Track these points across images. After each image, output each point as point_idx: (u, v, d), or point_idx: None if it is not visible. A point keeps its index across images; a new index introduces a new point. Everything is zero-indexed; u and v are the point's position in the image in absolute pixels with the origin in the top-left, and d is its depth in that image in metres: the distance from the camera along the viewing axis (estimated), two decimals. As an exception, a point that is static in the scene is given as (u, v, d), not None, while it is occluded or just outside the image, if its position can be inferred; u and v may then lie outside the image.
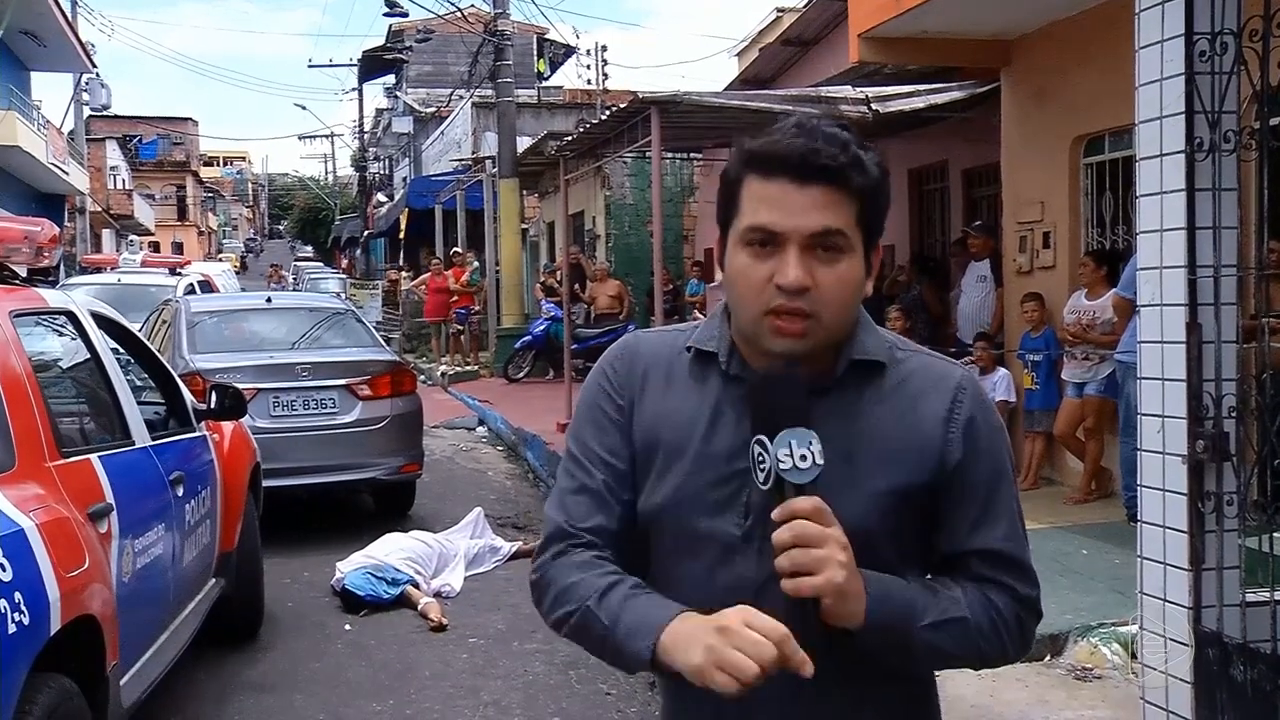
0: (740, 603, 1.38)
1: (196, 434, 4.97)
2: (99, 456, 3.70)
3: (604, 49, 26.34)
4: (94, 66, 28.22)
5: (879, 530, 1.42)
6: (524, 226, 20.43)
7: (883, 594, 1.38)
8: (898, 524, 1.45)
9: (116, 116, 45.42)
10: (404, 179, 36.72)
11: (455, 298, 18.69)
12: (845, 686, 1.45)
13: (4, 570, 2.73)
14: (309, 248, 64.60)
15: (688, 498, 1.47)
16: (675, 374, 1.53)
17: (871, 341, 1.49)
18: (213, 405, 5.06)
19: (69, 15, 24.79)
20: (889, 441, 1.45)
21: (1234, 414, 3.26)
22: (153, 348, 5.18)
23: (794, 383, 1.37)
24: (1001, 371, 8.10)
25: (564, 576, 1.49)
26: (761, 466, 1.35)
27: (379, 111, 48.28)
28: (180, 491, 4.39)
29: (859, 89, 8.82)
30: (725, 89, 13.29)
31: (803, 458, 1.32)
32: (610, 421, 1.54)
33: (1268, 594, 3.28)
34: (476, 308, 19.05)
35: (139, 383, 4.81)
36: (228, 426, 5.47)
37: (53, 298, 4.07)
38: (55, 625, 2.90)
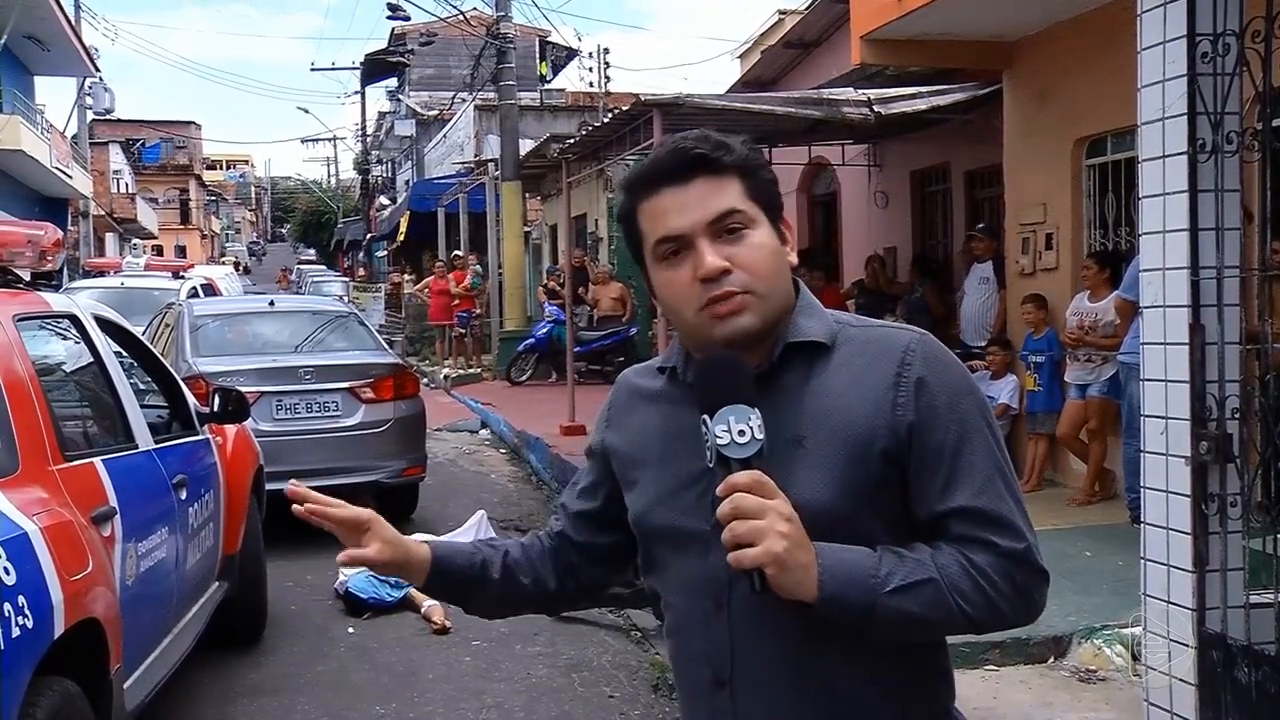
0: (716, 594, 1.47)
1: (199, 437, 4.97)
2: (102, 460, 3.70)
3: (606, 51, 26.26)
4: (97, 71, 28.24)
5: (847, 508, 1.43)
6: (526, 229, 20.43)
7: (837, 565, 1.37)
8: (865, 499, 1.44)
9: (120, 120, 45.43)
10: (406, 182, 36.75)
11: (457, 301, 18.70)
12: (831, 674, 1.45)
13: (8, 574, 2.73)
14: (312, 251, 64.68)
15: (662, 500, 1.55)
16: (650, 394, 1.63)
17: (810, 324, 1.51)
18: (216, 408, 5.06)
19: (72, 19, 24.83)
20: (837, 418, 1.45)
21: (1237, 415, 3.26)
22: (156, 351, 5.19)
23: (731, 362, 1.42)
24: (1011, 377, 8.09)
25: None
26: (707, 446, 1.39)
27: (381, 115, 48.32)
28: (183, 495, 4.39)
29: (861, 91, 8.82)
30: (727, 91, 13.28)
31: (741, 433, 1.36)
32: (594, 453, 1.72)
33: (1272, 595, 3.27)
34: (478, 310, 19.06)
35: (142, 386, 4.81)
36: (231, 429, 5.47)
37: (56, 301, 4.08)
38: (59, 629, 2.90)
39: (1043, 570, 1.47)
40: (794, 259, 1.54)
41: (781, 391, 1.47)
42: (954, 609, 1.40)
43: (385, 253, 31.12)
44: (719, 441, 1.36)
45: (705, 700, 1.52)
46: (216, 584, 5.02)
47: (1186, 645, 3.32)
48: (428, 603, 6.01)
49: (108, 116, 35.40)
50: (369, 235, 42.21)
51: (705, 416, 1.38)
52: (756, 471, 1.35)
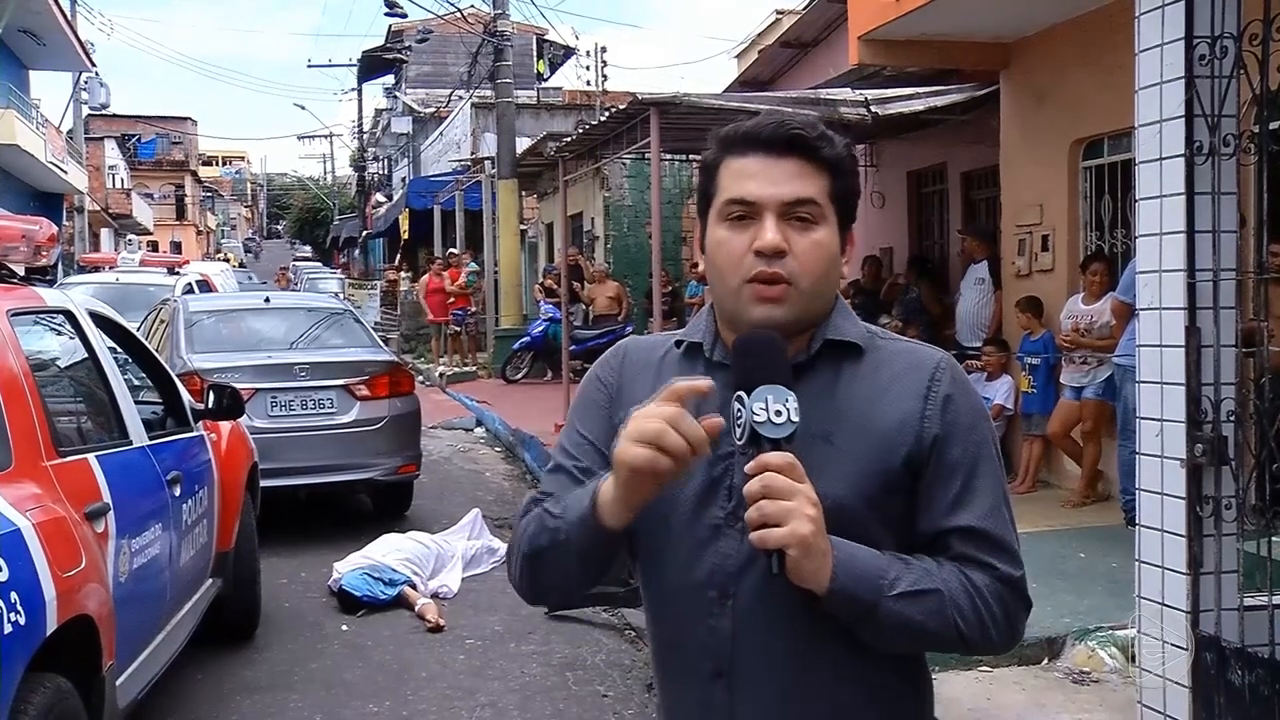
0: (722, 583, 1.45)
1: (194, 434, 4.96)
2: (96, 456, 3.70)
3: (603, 50, 26.33)
4: (93, 65, 28.20)
5: (863, 509, 1.44)
6: (523, 227, 20.43)
7: (850, 559, 1.39)
8: (881, 504, 1.46)
9: (115, 115, 45.38)
10: (403, 179, 36.69)
11: (452, 298, 18.70)
12: (830, 670, 1.46)
13: (0, 570, 2.72)
14: (308, 248, 64.62)
15: (673, 482, 1.49)
16: (663, 369, 1.59)
17: (847, 326, 1.54)
18: (210, 405, 5.05)
19: (68, 14, 24.78)
20: (867, 420, 1.47)
21: (1232, 418, 3.26)
22: (150, 347, 5.17)
23: (774, 342, 1.42)
24: (1006, 378, 8.10)
25: (520, 524, 1.56)
26: (739, 423, 1.38)
27: (378, 112, 48.26)
28: (177, 491, 4.38)
29: (858, 91, 8.83)
30: (724, 90, 13.28)
31: (778, 413, 1.35)
32: (595, 405, 1.61)
33: (1266, 598, 3.28)
34: (474, 308, 19.06)
35: (137, 382, 4.80)
36: (225, 426, 5.46)
37: (50, 297, 4.06)
38: (51, 625, 2.90)
39: (1029, 602, 1.51)
40: (847, 271, 1.56)
41: (813, 386, 1.47)
42: (950, 623, 1.43)
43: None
44: (755, 419, 1.35)
45: (698, 691, 1.51)
46: (210, 581, 5.01)
47: (1181, 647, 3.32)
48: (421, 600, 6.01)
49: (103, 111, 35.36)
50: (365, 232, 42.16)
51: (741, 393, 1.38)
52: (789, 454, 1.36)
